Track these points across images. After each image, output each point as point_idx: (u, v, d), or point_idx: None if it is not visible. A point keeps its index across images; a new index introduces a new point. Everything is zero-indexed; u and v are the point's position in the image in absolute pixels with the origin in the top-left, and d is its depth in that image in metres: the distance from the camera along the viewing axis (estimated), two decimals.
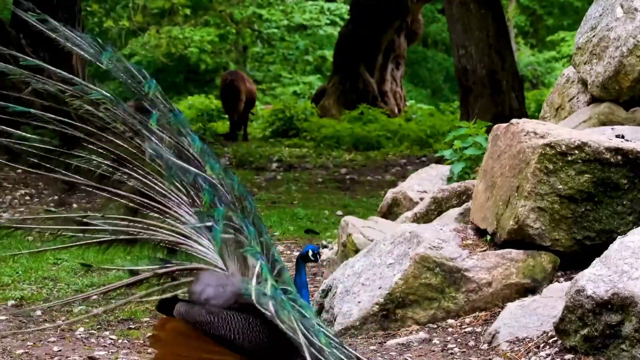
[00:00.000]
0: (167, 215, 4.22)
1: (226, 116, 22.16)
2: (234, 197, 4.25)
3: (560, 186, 6.29)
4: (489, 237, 6.73)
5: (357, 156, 18.31)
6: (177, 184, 4.21)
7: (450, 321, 6.33)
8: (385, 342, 6.16)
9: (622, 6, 7.89)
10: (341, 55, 24.38)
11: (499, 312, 6.13)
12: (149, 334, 5.05)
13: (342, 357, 3.98)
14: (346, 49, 24.03)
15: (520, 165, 6.41)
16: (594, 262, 5.34)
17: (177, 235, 4.20)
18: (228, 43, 34.25)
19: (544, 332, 5.62)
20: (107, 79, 4.58)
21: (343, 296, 6.69)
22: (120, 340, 6.28)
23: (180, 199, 4.22)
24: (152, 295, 4.23)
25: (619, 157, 6.26)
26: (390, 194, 9.06)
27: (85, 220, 4.24)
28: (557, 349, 5.35)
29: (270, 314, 3.86)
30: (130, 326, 6.66)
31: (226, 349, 4.09)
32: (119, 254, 4.58)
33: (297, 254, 9.15)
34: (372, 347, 6.07)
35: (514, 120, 6.72)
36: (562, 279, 6.34)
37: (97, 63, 4.28)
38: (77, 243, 4.25)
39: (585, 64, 8.24)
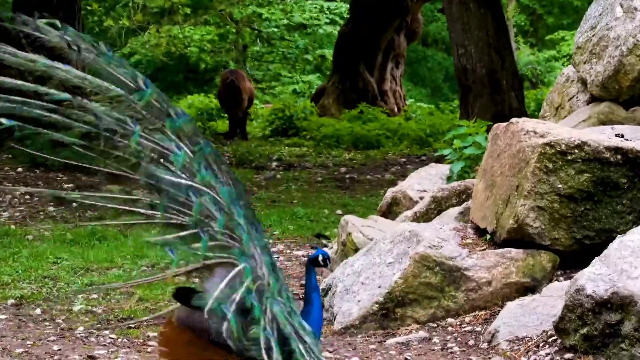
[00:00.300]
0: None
1: (226, 115, 22.14)
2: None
3: (560, 185, 6.29)
4: (488, 236, 6.74)
5: (357, 155, 18.29)
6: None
7: (450, 320, 6.33)
8: (385, 341, 6.17)
9: (621, 5, 7.90)
10: (341, 54, 24.35)
11: (499, 311, 6.14)
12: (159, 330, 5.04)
13: None
14: (346, 48, 24.00)
15: (520, 165, 6.41)
16: (594, 261, 5.35)
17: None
18: (228, 42, 34.19)
19: (544, 331, 5.63)
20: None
21: (343, 295, 6.69)
22: (119, 339, 6.28)
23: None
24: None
25: (619, 157, 6.26)
26: (389, 193, 9.06)
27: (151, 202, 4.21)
28: (556, 348, 5.35)
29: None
30: (130, 325, 6.66)
31: (227, 353, 4.08)
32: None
33: (297, 253, 9.23)
34: (371, 346, 6.07)
35: (513, 120, 6.72)
36: (561, 278, 6.34)
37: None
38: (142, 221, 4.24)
39: (585, 63, 8.25)
